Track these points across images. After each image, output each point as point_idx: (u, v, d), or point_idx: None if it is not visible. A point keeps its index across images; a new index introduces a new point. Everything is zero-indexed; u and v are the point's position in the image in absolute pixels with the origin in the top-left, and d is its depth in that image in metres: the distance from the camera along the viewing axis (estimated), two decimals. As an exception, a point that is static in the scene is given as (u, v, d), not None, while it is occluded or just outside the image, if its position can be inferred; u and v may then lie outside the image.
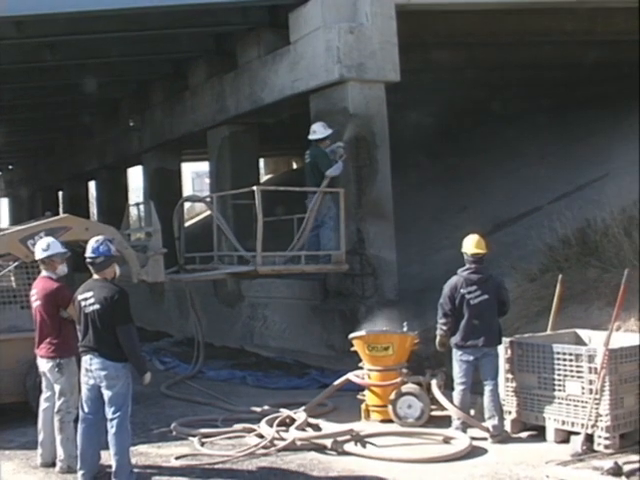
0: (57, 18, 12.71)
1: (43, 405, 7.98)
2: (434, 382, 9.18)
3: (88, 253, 7.56)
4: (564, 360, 8.16)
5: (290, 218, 12.71)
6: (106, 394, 7.33)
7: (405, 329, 9.70)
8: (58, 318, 7.83)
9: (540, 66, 17.18)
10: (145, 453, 8.38)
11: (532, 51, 16.28)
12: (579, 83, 18.70)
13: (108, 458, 7.43)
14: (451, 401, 8.76)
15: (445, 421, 8.87)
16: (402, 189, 13.84)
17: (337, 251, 12.05)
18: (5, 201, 35.16)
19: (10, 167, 33.32)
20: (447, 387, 9.14)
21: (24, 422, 9.13)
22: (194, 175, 51.05)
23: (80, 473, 7.41)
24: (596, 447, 7.76)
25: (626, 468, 7.01)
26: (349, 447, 8.29)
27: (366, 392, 9.63)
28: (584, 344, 8.80)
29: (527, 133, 18.78)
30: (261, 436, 8.61)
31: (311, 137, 12.29)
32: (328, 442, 8.31)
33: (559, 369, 8.19)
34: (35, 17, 12.56)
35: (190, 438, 8.80)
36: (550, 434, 8.26)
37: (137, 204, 15.73)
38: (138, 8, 12.83)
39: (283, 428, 8.74)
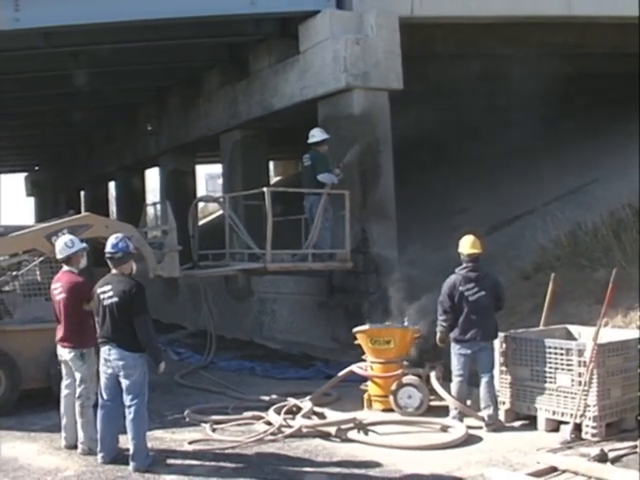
0: (82, 29, 12.74)
1: (64, 392, 8.02)
2: (433, 374, 9.22)
3: (108, 249, 7.60)
4: (555, 354, 8.19)
5: (298, 218, 12.73)
6: (124, 383, 7.37)
7: (406, 324, 9.73)
8: (80, 310, 7.87)
9: (536, 75, 17.14)
10: (160, 438, 8.41)
11: (528, 61, 16.24)
12: (571, 93, 18.66)
13: (126, 442, 7.48)
14: (449, 392, 8.79)
15: (443, 411, 8.90)
16: (405, 191, 13.84)
17: (342, 250, 12.07)
18: (31, 200, 35.21)
19: (36, 168, 33.39)
20: (445, 379, 9.16)
21: (47, 406, 9.17)
22: (207, 176, 50.84)
23: (100, 455, 7.48)
24: (584, 435, 7.80)
25: (611, 455, 7.06)
26: (352, 434, 8.31)
27: (368, 383, 9.66)
28: (574, 339, 8.82)
29: (523, 140, 18.75)
30: (269, 423, 8.64)
31: (310, 140, 12.32)
32: (332, 429, 8.35)
33: (550, 362, 8.22)
34: (62, 28, 12.60)
35: (202, 424, 8.84)
36: (541, 423, 8.29)
37: (154, 203, 15.80)
38: (157, 20, 12.85)
39: (290, 416, 8.79)
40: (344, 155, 12.42)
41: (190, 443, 8.13)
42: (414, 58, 13.21)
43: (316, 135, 12.32)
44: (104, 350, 7.46)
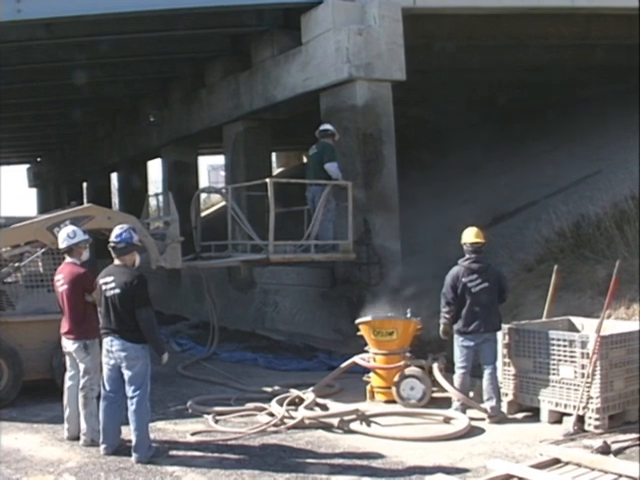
0: (84, 20, 12.72)
1: (68, 383, 8.02)
2: (436, 365, 9.21)
3: (112, 238, 7.60)
4: (558, 346, 8.17)
5: (300, 209, 12.71)
6: (126, 374, 7.36)
7: (409, 315, 9.71)
8: (83, 301, 7.87)
9: (539, 68, 17.12)
10: (163, 429, 8.41)
11: (532, 53, 16.21)
12: (576, 85, 18.63)
13: (128, 433, 7.48)
14: (452, 384, 8.78)
15: (446, 402, 8.91)
16: (408, 183, 13.83)
17: (345, 241, 12.05)
18: (34, 191, 35.22)
19: (38, 159, 33.37)
20: (448, 370, 9.15)
21: (50, 398, 9.17)
22: (210, 168, 51.03)
23: (102, 446, 7.48)
24: (587, 427, 7.79)
25: (614, 447, 7.06)
26: (355, 426, 8.31)
27: (371, 374, 9.65)
28: (577, 331, 8.82)
29: (526, 132, 18.74)
30: (272, 415, 8.64)
31: (322, 127, 12.33)
32: (335, 421, 8.34)
33: (553, 354, 8.20)
34: (64, 19, 12.56)
35: (205, 415, 8.84)
36: (544, 415, 8.28)
37: (156, 195, 15.70)
38: (160, 11, 12.82)
39: (292, 407, 8.78)
40: (342, 146, 12.43)
41: (193, 434, 8.13)
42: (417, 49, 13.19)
43: (327, 125, 12.36)
44: (107, 341, 7.45)
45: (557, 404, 8.15)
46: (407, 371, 9.27)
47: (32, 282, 10.16)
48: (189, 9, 13.00)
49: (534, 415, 8.41)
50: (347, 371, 9.89)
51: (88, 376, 7.79)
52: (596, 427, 7.73)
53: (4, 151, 28.84)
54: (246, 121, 15.94)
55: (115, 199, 28.30)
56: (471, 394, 8.81)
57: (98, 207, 10.53)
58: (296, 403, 8.96)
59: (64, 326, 7.97)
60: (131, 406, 7.33)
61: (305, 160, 27.44)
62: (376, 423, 8.44)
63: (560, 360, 8.14)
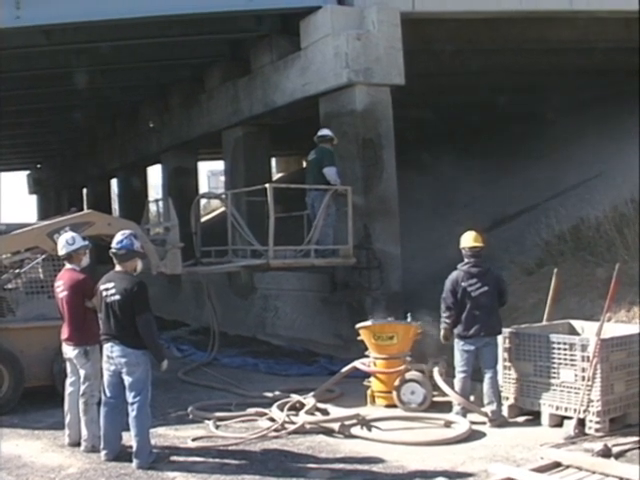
0: (84, 26, 12.74)
1: (68, 389, 8.03)
2: (436, 370, 9.21)
3: (113, 244, 7.63)
4: (559, 349, 8.18)
5: (300, 214, 12.72)
6: (127, 380, 7.37)
7: (409, 319, 9.71)
8: (84, 307, 7.88)
9: (538, 71, 17.14)
10: (164, 435, 8.41)
11: (531, 56, 16.23)
12: (575, 88, 18.64)
13: (129, 439, 7.48)
14: (452, 388, 8.78)
15: (446, 406, 8.89)
16: (408, 187, 13.83)
17: (345, 245, 12.06)
18: (34, 198, 35.25)
19: (38, 166, 33.41)
20: (448, 374, 9.15)
21: (51, 404, 9.16)
22: (210, 173, 51.09)
23: (103, 452, 7.48)
24: (588, 430, 7.78)
25: (615, 450, 7.05)
26: (355, 430, 8.31)
27: (372, 379, 9.65)
28: (577, 334, 8.82)
29: (526, 135, 18.75)
30: (272, 420, 8.64)
31: (320, 133, 12.36)
32: (336, 426, 8.33)
33: (554, 357, 8.21)
34: (63, 25, 12.59)
35: (206, 421, 8.83)
36: (545, 418, 8.28)
37: (156, 200, 15.73)
38: (159, 16, 12.85)
39: (293, 412, 8.78)
40: (342, 151, 12.44)
41: (193, 440, 8.12)
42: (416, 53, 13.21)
43: (325, 130, 12.39)
44: (107, 347, 7.46)
45: (558, 407, 8.15)
46: (408, 375, 9.27)
47: (32, 288, 10.17)
48: (188, 15, 13.03)
49: (535, 419, 8.41)
50: (348, 376, 9.89)
51: (89, 382, 7.79)
52: (597, 430, 7.73)
53: (4, 157, 28.91)
54: (245, 126, 15.97)
55: (115, 205, 28.34)
56: (472, 398, 8.80)
57: (98, 213, 10.56)
58: (297, 408, 8.96)
59: (64, 332, 7.98)
60: (132, 412, 7.33)
61: (305, 165, 27.50)
62: (377, 427, 8.45)
63: (561, 363, 8.15)
